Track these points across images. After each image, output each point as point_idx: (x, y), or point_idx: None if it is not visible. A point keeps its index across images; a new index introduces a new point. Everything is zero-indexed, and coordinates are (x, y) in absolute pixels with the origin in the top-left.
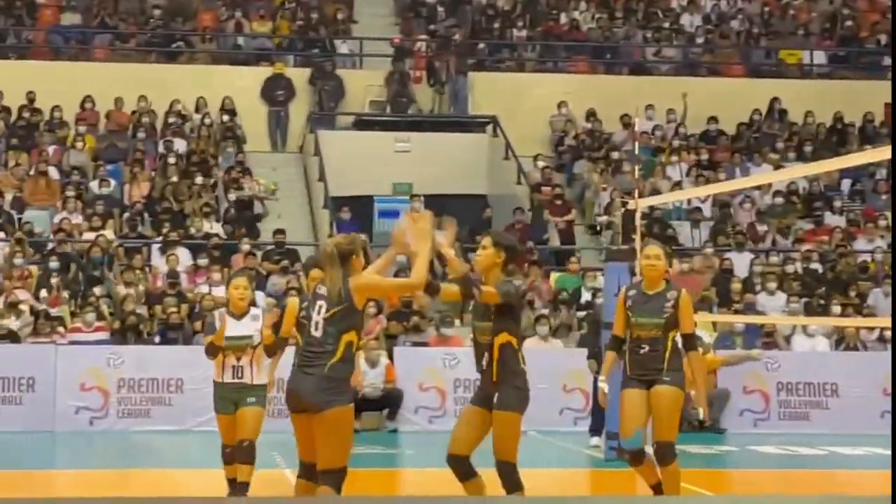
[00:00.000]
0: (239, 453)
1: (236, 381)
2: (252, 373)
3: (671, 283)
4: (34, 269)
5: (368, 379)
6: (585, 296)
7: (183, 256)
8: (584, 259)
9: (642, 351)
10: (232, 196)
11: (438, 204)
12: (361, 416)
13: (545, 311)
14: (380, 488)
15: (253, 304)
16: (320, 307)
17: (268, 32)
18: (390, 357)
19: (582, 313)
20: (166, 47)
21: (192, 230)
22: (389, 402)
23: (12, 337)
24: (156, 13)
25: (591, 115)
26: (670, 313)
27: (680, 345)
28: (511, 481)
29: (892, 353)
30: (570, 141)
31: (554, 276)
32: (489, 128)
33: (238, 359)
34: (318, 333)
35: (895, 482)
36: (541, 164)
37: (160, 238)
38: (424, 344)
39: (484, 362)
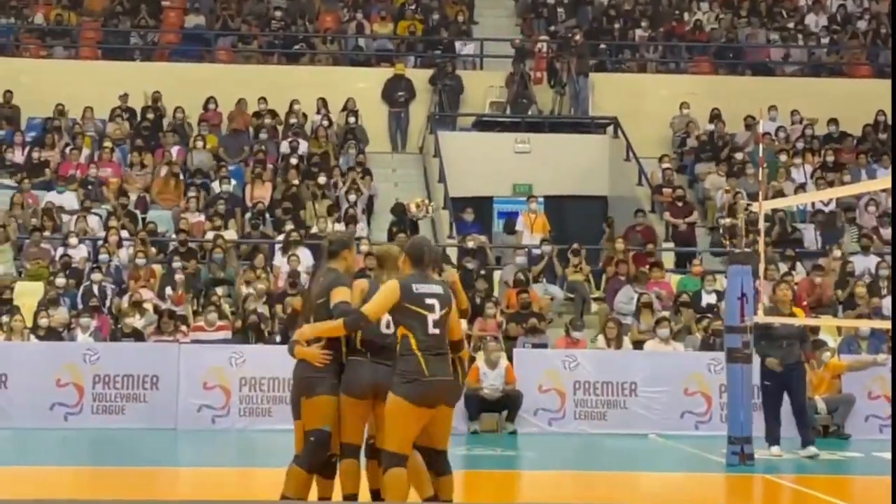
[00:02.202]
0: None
1: None
2: None
3: None
4: (158, 268)
5: (488, 380)
6: (706, 298)
7: (304, 256)
8: (705, 261)
9: None
10: (352, 196)
11: (558, 205)
12: (481, 418)
13: (666, 314)
14: (499, 490)
15: None
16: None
17: (389, 34)
18: (510, 358)
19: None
20: (288, 49)
21: (314, 230)
22: (509, 403)
23: (137, 335)
24: (277, 15)
25: (713, 116)
26: None
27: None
28: None
29: (891, 357)
30: (691, 142)
31: (675, 278)
32: (610, 129)
33: None
34: (437, 331)
35: (895, 487)
36: (664, 165)
37: (281, 238)
38: (543, 345)
39: None
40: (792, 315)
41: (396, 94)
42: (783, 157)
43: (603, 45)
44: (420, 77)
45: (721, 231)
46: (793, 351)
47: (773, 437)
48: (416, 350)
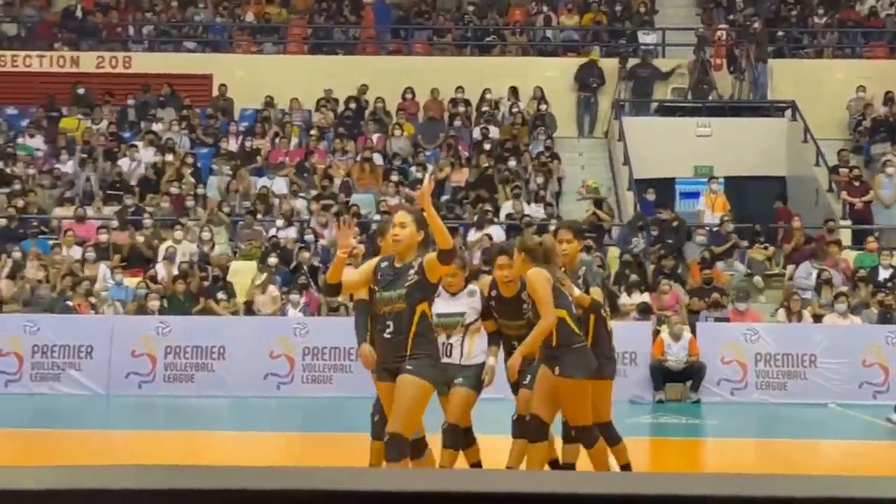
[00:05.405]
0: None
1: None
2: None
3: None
4: (361, 247)
5: (672, 352)
6: (883, 273)
7: (496, 235)
8: (882, 238)
9: None
10: (540, 179)
11: (738, 185)
12: (666, 388)
13: (844, 289)
14: (686, 457)
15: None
16: None
17: (575, 25)
18: (693, 332)
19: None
20: (480, 41)
21: (509, 211)
22: (693, 374)
23: (345, 310)
24: (470, 10)
25: (888, 98)
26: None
27: None
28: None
29: None
30: (867, 124)
31: (852, 254)
32: (788, 112)
33: (448, 336)
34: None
35: None
36: (839, 146)
37: (476, 219)
38: (725, 319)
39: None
40: None
41: (589, 80)
42: None
43: (781, 33)
44: (606, 65)
45: None
46: None
47: None
48: (576, 330)
